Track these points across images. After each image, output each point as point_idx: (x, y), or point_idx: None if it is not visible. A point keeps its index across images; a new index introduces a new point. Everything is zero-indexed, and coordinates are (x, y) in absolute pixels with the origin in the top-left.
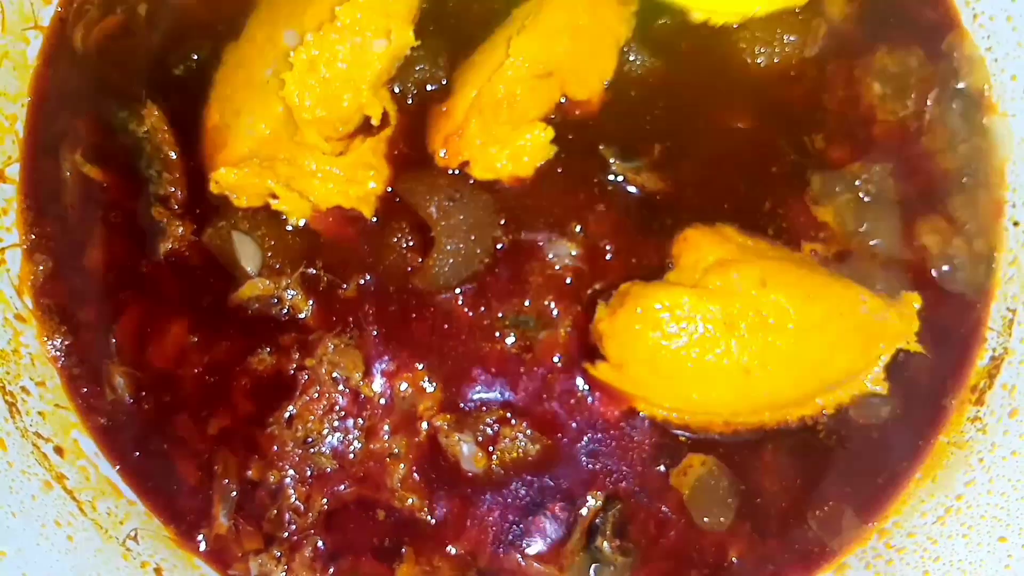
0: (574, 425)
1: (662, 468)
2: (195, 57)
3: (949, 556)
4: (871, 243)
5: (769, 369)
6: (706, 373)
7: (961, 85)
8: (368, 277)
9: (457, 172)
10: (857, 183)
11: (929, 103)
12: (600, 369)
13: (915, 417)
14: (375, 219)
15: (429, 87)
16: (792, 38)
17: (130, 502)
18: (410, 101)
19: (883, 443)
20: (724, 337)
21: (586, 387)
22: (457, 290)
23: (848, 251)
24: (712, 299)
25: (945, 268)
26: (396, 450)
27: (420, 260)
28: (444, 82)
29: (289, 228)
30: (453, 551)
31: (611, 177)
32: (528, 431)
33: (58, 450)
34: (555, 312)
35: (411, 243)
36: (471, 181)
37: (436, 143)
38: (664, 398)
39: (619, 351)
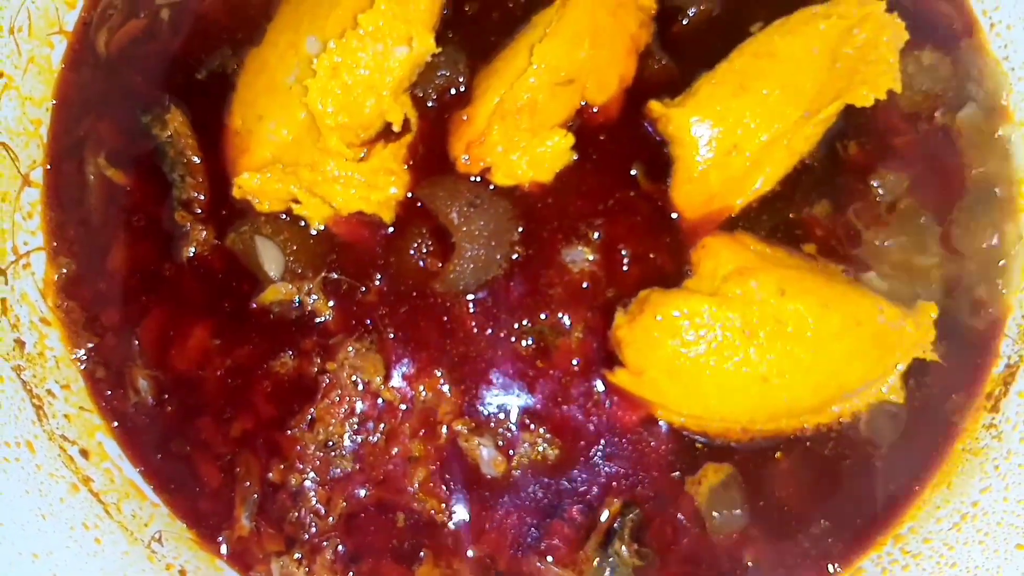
0: (593, 430)
1: (679, 475)
2: (218, 62)
3: (965, 563)
4: (888, 251)
5: (787, 377)
6: (724, 381)
7: (977, 94)
8: (388, 282)
9: (478, 179)
10: (874, 191)
11: (945, 111)
12: (618, 376)
13: (930, 425)
14: (395, 224)
15: (450, 93)
16: None
17: (154, 504)
18: (430, 105)
19: (898, 451)
20: (743, 345)
21: (604, 393)
22: (477, 295)
23: (866, 260)
24: (731, 307)
25: (960, 277)
26: (416, 453)
27: (440, 265)
28: (464, 88)
29: (312, 233)
30: (472, 554)
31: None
32: (547, 435)
33: (83, 452)
34: (573, 318)
35: (431, 248)
36: (491, 187)
37: (457, 149)
38: (682, 405)
39: (638, 358)
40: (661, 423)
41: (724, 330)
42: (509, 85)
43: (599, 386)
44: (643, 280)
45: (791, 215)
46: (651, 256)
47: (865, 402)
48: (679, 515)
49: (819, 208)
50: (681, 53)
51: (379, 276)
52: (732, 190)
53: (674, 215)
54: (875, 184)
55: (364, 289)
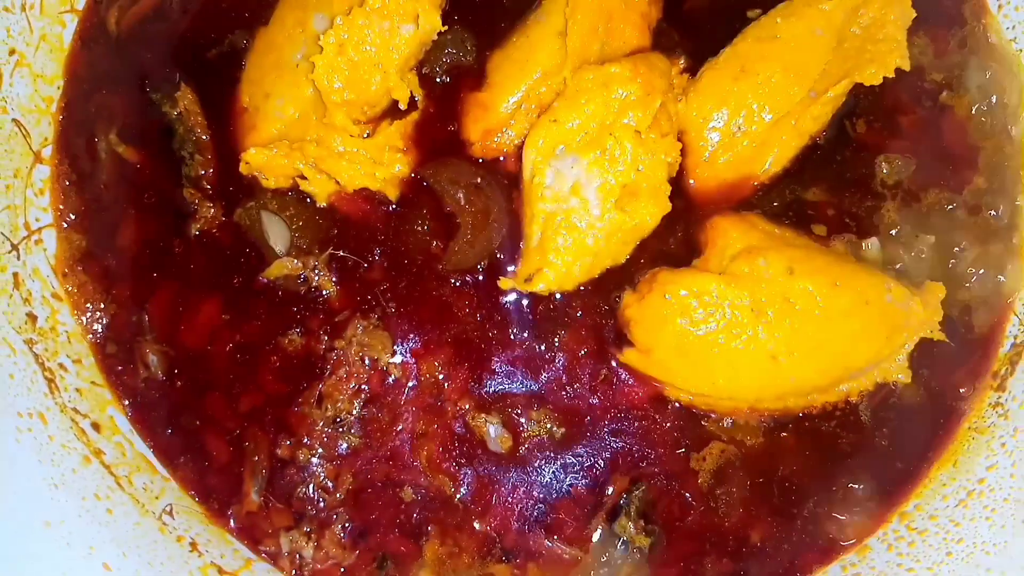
0: (600, 408)
1: (687, 453)
2: (227, 40)
3: (972, 538)
4: (896, 232)
5: (795, 356)
6: (733, 359)
7: (985, 74)
8: (393, 259)
9: (482, 160)
10: (881, 171)
11: (953, 91)
12: (627, 354)
13: (937, 404)
14: (400, 202)
15: (458, 72)
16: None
17: (164, 478)
18: (438, 80)
19: (905, 429)
20: (751, 323)
21: (613, 371)
22: (482, 274)
23: (874, 239)
24: (739, 286)
25: (968, 257)
26: (423, 430)
27: (445, 243)
28: (472, 67)
29: (317, 209)
30: (479, 530)
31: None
32: (554, 413)
33: (95, 426)
34: (580, 297)
35: (436, 227)
36: (498, 169)
37: (473, 134)
38: (690, 383)
39: (646, 337)
40: (669, 401)
41: (732, 308)
42: (531, 76)
43: (607, 364)
44: (652, 259)
45: (800, 195)
46: (660, 236)
47: (872, 381)
48: (686, 493)
49: (828, 188)
50: (694, 29)
51: (385, 253)
52: (740, 171)
53: (683, 196)
54: (883, 165)
55: (366, 265)
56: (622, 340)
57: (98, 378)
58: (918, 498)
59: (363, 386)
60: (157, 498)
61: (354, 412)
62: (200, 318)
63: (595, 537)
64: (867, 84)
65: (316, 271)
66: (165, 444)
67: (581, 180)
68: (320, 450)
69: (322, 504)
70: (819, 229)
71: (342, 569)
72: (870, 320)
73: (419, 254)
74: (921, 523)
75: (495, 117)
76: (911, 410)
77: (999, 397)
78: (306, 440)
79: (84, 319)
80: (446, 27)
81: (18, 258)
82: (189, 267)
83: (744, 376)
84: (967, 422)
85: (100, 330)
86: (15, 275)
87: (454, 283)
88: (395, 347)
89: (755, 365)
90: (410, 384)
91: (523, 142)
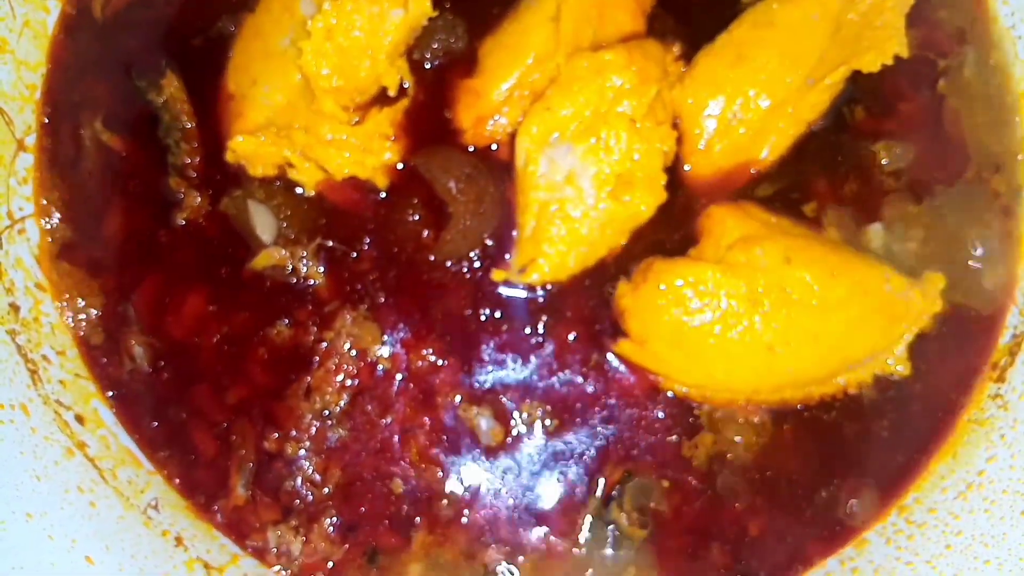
0: (593, 399)
1: (682, 444)
2: (214, 26)
3: (971, 530)
4: (894, 220)
5: (792, 346)
6: (729, 350)
7: (984, 62)
8: (382, 248)
9: (473, 148)
10: (880, 160)
11: (952, 78)
12: (621, 345)
13: (936, 395)
14: (389, 190)
15: (449, 58)
16: None
17: (150, 472)
18: (429, 67)
19: (904, 422)
20: (747, 314)
21: (606, 362)
22: (474, 264)
23: (877, 226)
24: (736, 275)
25: (967, 246)
26: (413, 422)
27: (435, 232)
28: (463, 53)
29: (305, 198)
30: (469, 522)
31: None
32: (547, 404)
33: (79, 418)
34: (574, 287)
35: (426, 216)
36: (490, 157)
37: (466, 121)
38: (686, 374)
39: (641, 327)
40: (664, 393)
41: (729, 298)
42: (524, 62)
43: (601, 356)
44: (647, 249)
45: (797, 184)
46: (655, 225)
47: (870, 373)
48: (680, 485)
49: (826, 176)
50: (689, 15)
51: (374, 243)
52: (736, 160)
53: (680, 185)
54: (881, 152)
55: (355, 255)
56: (617, 331)
57: (82, 370)
58: (917, 491)
59: (352, 378)
60: (142, 492)
61: (343, 404)
62: (186, 309)
63: (587, 529)
64: (865, 71)
65: (304, 261)
66: (150, 437)
67: (575, 169)
68: (308, 443)
69: (310, 498)
70: (814, 214)
71: (331, 564)
72: (868, 310)
73: (409, 244)
74: (920, 516)
75: (487, 104)
76: (910, 402)
77: (999, 388)
78: (294, 433)
79: (68, 310)
80: (437, 12)
81: (0, 247)
82: (175, 257)
83: (740, 367)
84: (966, 414)
85: (84, 321)
86: None
87: (445, 273)
88: (385, 338)
89: (751, 356)
90: (400, 376)
91: (516, 130)
